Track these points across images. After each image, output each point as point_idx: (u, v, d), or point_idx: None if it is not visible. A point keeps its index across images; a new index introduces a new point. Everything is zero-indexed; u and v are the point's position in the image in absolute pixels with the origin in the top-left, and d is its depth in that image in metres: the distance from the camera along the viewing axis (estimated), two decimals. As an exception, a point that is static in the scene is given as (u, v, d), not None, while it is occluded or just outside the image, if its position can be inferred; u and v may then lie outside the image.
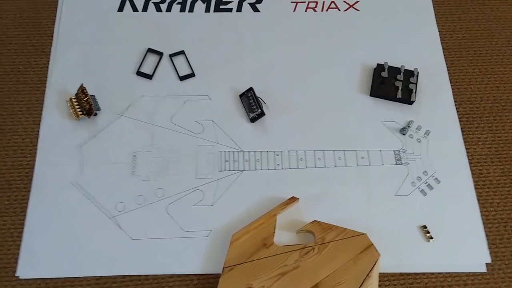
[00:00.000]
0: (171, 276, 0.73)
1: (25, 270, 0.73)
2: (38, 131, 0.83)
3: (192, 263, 0.74)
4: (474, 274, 0.75)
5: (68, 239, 0.75)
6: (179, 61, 0.90)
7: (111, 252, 0.74)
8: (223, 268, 0.71)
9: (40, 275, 0.73)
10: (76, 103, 0.82)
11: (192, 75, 0.88)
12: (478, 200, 0.80)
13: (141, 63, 0.88)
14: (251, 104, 0.84)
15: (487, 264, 0.76)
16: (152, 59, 0.90)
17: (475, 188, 0.81)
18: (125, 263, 0.74)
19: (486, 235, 0.78)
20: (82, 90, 0.82)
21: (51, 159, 0.80)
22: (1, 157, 0.81)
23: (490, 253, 0.77)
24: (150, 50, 0.90)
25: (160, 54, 0.90)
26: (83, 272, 0.73)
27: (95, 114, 0.82)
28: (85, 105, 0.81)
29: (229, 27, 0.94)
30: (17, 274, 0.73)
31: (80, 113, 0.82)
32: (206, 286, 0.73)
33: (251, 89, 0.85)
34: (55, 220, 0.76)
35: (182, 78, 0.88)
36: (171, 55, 0.90)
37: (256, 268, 0.71)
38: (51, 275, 0.73)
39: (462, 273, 0.75)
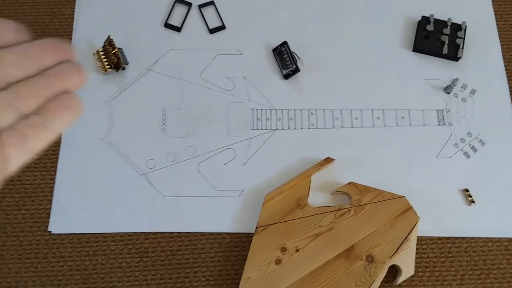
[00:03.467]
0: (203, 234, 0.72)
1: (56, 225, 0.73)
2: (65, 85, 0.81)
3: (224, 222, 0.73)
4: (516, 239, 0.73)
5: (99, 195, 0.74)
6: (209, 12, 0.85)
7: (142, 209, 0.73)
8: (256, 227, 0.69)
9: (72, 230, 0.72)
10: (103, 56, 0.79)
11: (222, 27, 0.84)
12: (524, 164, 0.77)
13: (169, 15, 0.84)
14: (285, 60, 0.80)
15: (530, 230, 0.73)
16: (180, 10, 0.85)
17: (522, 152, 0.77)
18: (157, 220, 0.73)
19: (531, 201, 0.74)
20: (109, 42, 0.79)
21: (80, 114, 0.78)
22: (29, 112, 0.79)
23: (534, 219, 0.74)
24: (178, 1, 0.85)
25: (189, 4, 0.85)
26: (116, 228, 0.72)
27: (123, 68, 0.79)
28: (112, 58, 0.78)
29: (262, -24, 0.88)
30: (49, 229, 0.73)
31: (108, 66, 0.79)
32: (239, 244, 0.72)
33: (285, 43, 0.80)
34: (86, 176, 0.75)
35: (212, 31, 0.84)
36: (200, 6, 0.85)
37: (290, 228, 0.69)
38: (83, 231, 0.72)
39: (503, 238, 0.73)
